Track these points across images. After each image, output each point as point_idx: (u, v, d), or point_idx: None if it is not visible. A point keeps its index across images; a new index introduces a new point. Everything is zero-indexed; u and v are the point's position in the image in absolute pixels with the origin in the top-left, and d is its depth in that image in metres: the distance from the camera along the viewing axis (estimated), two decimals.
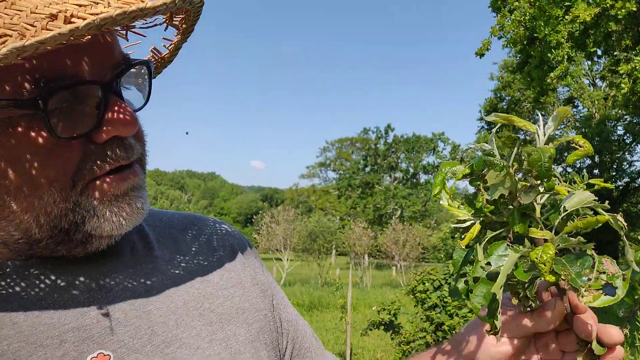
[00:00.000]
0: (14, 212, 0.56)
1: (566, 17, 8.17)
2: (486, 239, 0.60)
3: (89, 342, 0.59)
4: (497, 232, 0.61)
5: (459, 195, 0.63)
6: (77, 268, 0.63)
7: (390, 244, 25.20)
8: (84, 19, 0.46)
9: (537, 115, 0.65)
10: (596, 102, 22.42)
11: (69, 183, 0.57)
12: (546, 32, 8.63)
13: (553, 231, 0.59)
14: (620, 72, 8.54)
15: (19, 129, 0.54)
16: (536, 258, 0.54)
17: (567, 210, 0.59)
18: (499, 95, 27.58)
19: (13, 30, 0.46)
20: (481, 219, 0.61)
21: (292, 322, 0.82)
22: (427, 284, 6.53)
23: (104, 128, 0.57)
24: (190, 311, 0.68)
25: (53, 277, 0.61)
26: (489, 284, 0.56)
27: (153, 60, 0.74)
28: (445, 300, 6.38)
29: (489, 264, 0.57)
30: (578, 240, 0.58)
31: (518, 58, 12.20)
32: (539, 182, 0.56)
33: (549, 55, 9.06)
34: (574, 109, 25.68)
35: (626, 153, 24.09)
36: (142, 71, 0.65)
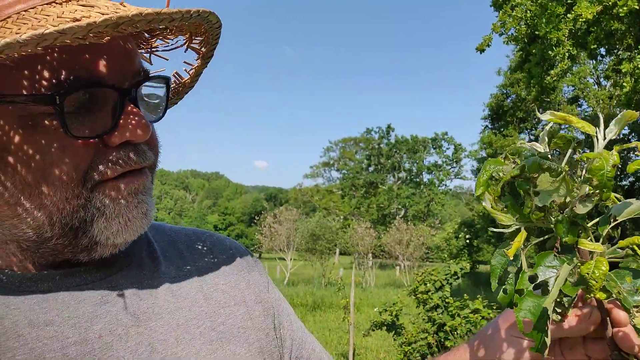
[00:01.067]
0: (27, 210, 0.58)
1: (568, 15, 8.11)
2: (528, 246, 0.57)
3: (89, 356, 0.59)
4: (542, 239, 0.58)
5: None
6: (85, 280, 0.64)
7: (393, 243, 25.14)
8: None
9: (599, 115, 0.60)
10: (601, 102, 22.29)
11: (80, 181, 0.58)
12: (547, 30, 8.57)
13: (600, 241, 0.55)
14: (623, 70, 8.48)
15: (37, 126, 0.55)
16: (587, 273, 0.51)
17: (616, 220, 0.55)
18: (504, 92, 27.43)
19: (36, 29, 0.48)
20: (526, 224, 0.57)
21: (296, 340, 0.82)
22: (428, 285, 6.50)
23: (118, 132, 0.59)
24: (191, 329, 0.68)
25: (60, 290, 0.62)
26: (537, 297, 0.53)
27: (174, 84, 0.77)
28: (446, 300, 6.35)
29: (535, 275, 0.54)
30: (626, 253, 0.55)
31: (519, 56, 12.14)
32: (597, 191, 0.52)
33: (550, 53, 9.00)
34: (579, 108, 25.56)
35: (631, 152, 23.95)
36: (161, 86, 0.67)
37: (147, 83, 0.64)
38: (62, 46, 0.54)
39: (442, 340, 6.18)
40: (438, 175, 47.19)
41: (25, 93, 0.54)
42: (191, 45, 0.72)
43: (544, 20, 8.50)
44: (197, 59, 0.74)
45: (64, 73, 0.55)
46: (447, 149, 48.15)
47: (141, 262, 0.72)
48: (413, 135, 47.77)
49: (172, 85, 0.76)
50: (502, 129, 27.11)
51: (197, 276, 0.75)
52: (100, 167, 0.59)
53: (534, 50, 10.06)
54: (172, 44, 0.73)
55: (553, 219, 0.55)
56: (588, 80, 22.75)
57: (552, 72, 9.55)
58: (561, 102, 24.83)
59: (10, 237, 0.61)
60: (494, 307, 6.24)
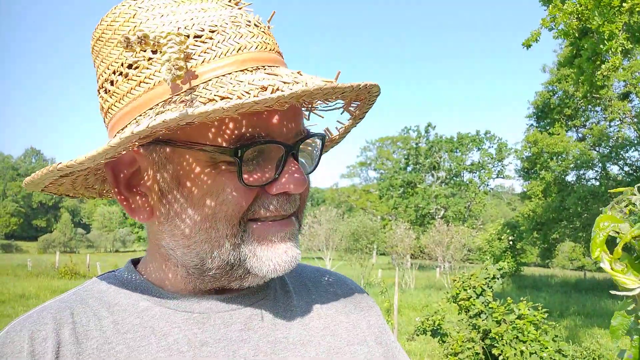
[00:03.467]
0: (197, 242, 0.67)
1: (623, 5, 7.68)
2: None
3: None
4: None
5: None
6: (233, 306, 0.72)
7: (433, 245, 24.71)
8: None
9: None
10: None
11: (238, 220, 0.66)
12: (600, 23, 8.16)
13: None
14: None
15: (217, 169, 0.64)
16: None
17: None
18: (550, 89, 26.41)
19: (233, 94, 0.58)
20: None
21: None
22: (469, 291, 6.31)
23: (278, 183, 0.66)
24: None
25: (213, 313, 0.71)
26: None
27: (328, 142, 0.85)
28: (490, 306, 6.13)
29: None
30: None
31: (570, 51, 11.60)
32: None
33: (602, 47, 8.57)
34: (630, 104, 24.34)
35: None
36: (316, 142, 0.74)
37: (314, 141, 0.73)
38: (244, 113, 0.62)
39: (488, 348, 5.97)
40: (480, 175, 45.93)
41: (213, 143, 0.63)
42: (348, 109, 0.79)
43: (596, 13, 8.09)
44: (350, 119, 0.81)
45: (245, 130, 0.63)
46: (490, 147, 46.80)
47: (276, 293, 0.79)
48: (459, 133, 46.55)
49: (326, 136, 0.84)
50: (548, 127, 26.13)
51: (324, 312, 0.80)
52: (255, 208, 0.66)
53: (585, 45, 9.62)
54: (331, 106, 0.80)
55: None
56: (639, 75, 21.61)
57: (603, 67, 9.10)
58: (612, 98, 23.71)
59: (181, 263, 0.70)
60: (540, 308, 5.98)
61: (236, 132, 0.63)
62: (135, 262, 0.80)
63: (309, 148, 0.74)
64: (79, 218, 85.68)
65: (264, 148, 0.65)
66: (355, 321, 0.82)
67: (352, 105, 0.79)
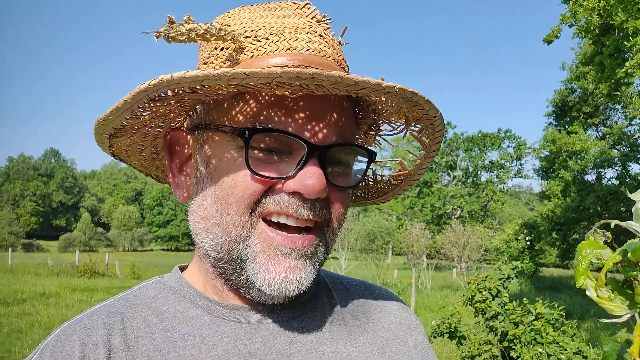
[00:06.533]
0: (213, 225, 0.67)
1: None
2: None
3: None
4: None
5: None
6: (280, 318, 0.72)
7: (449, 245, 24.48)
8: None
9: None
10: None
11: (248, 209, 0.65)
12: (623, 19, 7.98)
13: None
14: None
15: (238, 153, 0.65)
16: None
17: None
18: (569, 87, 25.95)
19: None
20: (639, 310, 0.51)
21: None
22: (484, 293, 6.21)
23: (293, 180, 0.64)
24: None
25: (261, 324, 0.71)
26: None
27: (399, 174, 0.83)
28: (506, 307, 6.03)
29: None
30: None
31: (590, 48, 11.37)
32: None
33: (625, 44, 8.38)
34: None
35: None
36: (361, 158, 0.72)
37: (359, 158, 0.71)
38: (264, 99, 0.64)
39: (506, 350, 5.87)
40: (499, 174, 45.33)
41: (231, 125, 0.65)
42: (411, 130, 0.75)
43: (620, 8, 7.91)
44: (421, 150, 0.78)
45: (261, 116, 0.64)
46: (509, 146, 46.15)
47: (324, 307, 0.78)
48: (481, 131, 45.95)
49: (395, 173, 0.84)
50: (567, 126, 25.69)
51: (371, 328, 0.79)
52: (266, 200, 0.65)
53: (607, 42, 9.41)
54: (396, 129, 0.78)
55: None
56: None
57: (627, 64, 8.89)
58: (633, 95, 23.19)
59: (205, 253, 0.70)
60: (556, 306, 5.86)
61: (252, 117, 0.64)
62: (183, 268, 0.80)
63: (351, 161, 0.71)
64: (98, 217, 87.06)
65: (282, 139, 0.64)
66: (402, 339, 0.81)
67: (413, 128, 0.76)
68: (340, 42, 0.75)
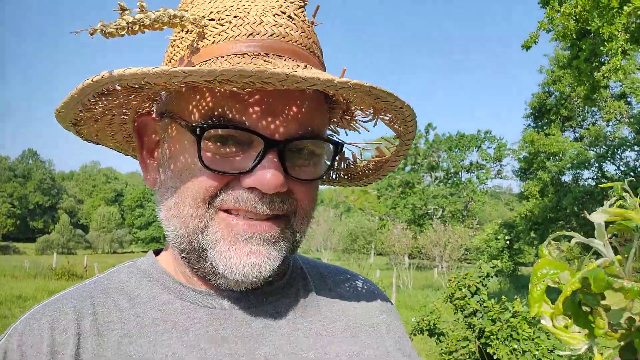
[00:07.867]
0: (172, 216, 0.67)
1: (624, 8, 7.69)
2: None
3: None
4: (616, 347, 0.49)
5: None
6: (253, 303, 0.71)
7: (431, 245, 24.71)
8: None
9: None
10: None
11: (205, 203, 0.64)
12: (599, 24, 8.17)
13: None
14: None
15: (195, 147, 0.63)
16: None
17: None
18: (547, 90, 26.43)
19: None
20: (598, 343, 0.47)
21: None
22: (464, 290, 6.31)
23: (250, 176, 0.63)
24: None
25: (233, 310, 0.70)
26: None
27: (378, 159, 0.82)
28: (485, 305, 6.13)
29: None
30: None
31: (568, 52, 11.60)
32: None
33: (601, 48, 8.58)
34: (626, 105, 24.38)
35: None
36: (325, 149, 0.70)
37: (327, 147, 0.69)
38: (219, 93, 0.62)
39: (484, 346, 5.97)
40: (479, 175, 45.87)
41: (186, 119, 0.64)
42: (382, 118, 0.75)
43: (595, 14, 8.10)
44: (396, 138, 0.78)
45: (215, 110, 0.62)
46: (489, 147, 46.73)
47: (298, 293, 0.78)
48: (460, 132, 46.39)
49: (374, 158, 0.83)
50: (545, 128, 26.16)
51: (345, 314, 0.79)
52: (225, 196, 0.64)
53: (583, 46, 9.62)
54: (368, 116, 0.76)
55: (634, 335, 0.46)
56: (636, 76, 21.62)
57: (603, 68, 9.10)
58: (607, 99, 23.74)
59: (171, 242, 0.70)
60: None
61: (207, 111, 0.63)
62: (158, 252, 0.80)
63: (318, 151, 0.69)
64: (77, 219, 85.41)
65: (238, 137, 0.63)
66: (375, 324, 0.81)
67: (384, 117, 0.75)
68: (313, 23, 0.72)
